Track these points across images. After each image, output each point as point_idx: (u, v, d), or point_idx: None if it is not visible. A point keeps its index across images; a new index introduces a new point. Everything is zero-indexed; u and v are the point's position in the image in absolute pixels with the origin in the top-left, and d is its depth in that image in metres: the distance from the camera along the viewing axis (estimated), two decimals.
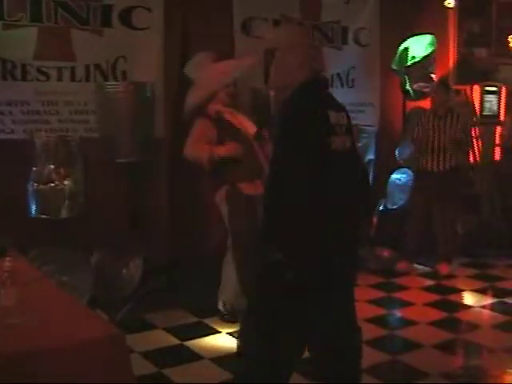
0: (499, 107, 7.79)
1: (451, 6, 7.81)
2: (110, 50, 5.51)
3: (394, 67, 7.16)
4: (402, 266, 6.58)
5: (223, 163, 4.74)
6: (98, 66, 5.47)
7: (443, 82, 7.01)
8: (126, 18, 5.56)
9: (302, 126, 2.62)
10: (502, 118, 7.87)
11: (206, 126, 4.86)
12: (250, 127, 4.95)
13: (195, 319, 5.12)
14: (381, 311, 5.43)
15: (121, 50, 5.54)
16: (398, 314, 5.47)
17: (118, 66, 5.54)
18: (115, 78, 5.53)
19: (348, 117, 2.86)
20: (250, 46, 6.05)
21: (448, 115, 6.57)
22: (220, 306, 5.08)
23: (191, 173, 5.31)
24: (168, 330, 4.88)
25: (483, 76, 8.10)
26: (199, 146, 4.78)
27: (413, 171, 6.82)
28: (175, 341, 4.70)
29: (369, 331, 4.88)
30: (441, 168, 6.48)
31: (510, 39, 8.89)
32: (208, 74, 4.95)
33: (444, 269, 6.53)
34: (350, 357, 2.84)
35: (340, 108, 2.83)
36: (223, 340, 4.73)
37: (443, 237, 6.61)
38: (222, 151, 4.75)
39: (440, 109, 6.62)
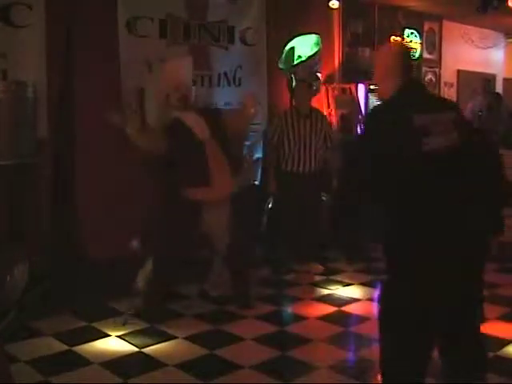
0: None
1: (335, 7, 8.03)
2: None
3: (280, 66, 7.26)
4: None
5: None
6: None
7: (303, 80, 6.77)
8: (4, 14, 5.35)
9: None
10: None
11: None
12: (204, 130, 4.98)
13: (83, 323, 5.00)
14: (273, 308, 5.49)
15: (0, 48, 5.32)
16: (289, 309, 5.54)
17: None
18: None
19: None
20: (135, 45, 5.99)
21: (312, 114, 6.35)
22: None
23: (74, 173, 5.27)
24: (56, 336, 4.72)
25: (367, 75, 8.35)
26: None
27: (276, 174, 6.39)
28: (63, 347, 4.56)
29: (259, 329, 4.95)
30: (306, 170, 6.26)
31: (391, 40, 9.23)
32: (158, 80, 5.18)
33: (318, 268, 6.47)
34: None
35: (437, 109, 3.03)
36: (113, 343, 4.64)
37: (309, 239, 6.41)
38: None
39: (302, 108, 6.37)
